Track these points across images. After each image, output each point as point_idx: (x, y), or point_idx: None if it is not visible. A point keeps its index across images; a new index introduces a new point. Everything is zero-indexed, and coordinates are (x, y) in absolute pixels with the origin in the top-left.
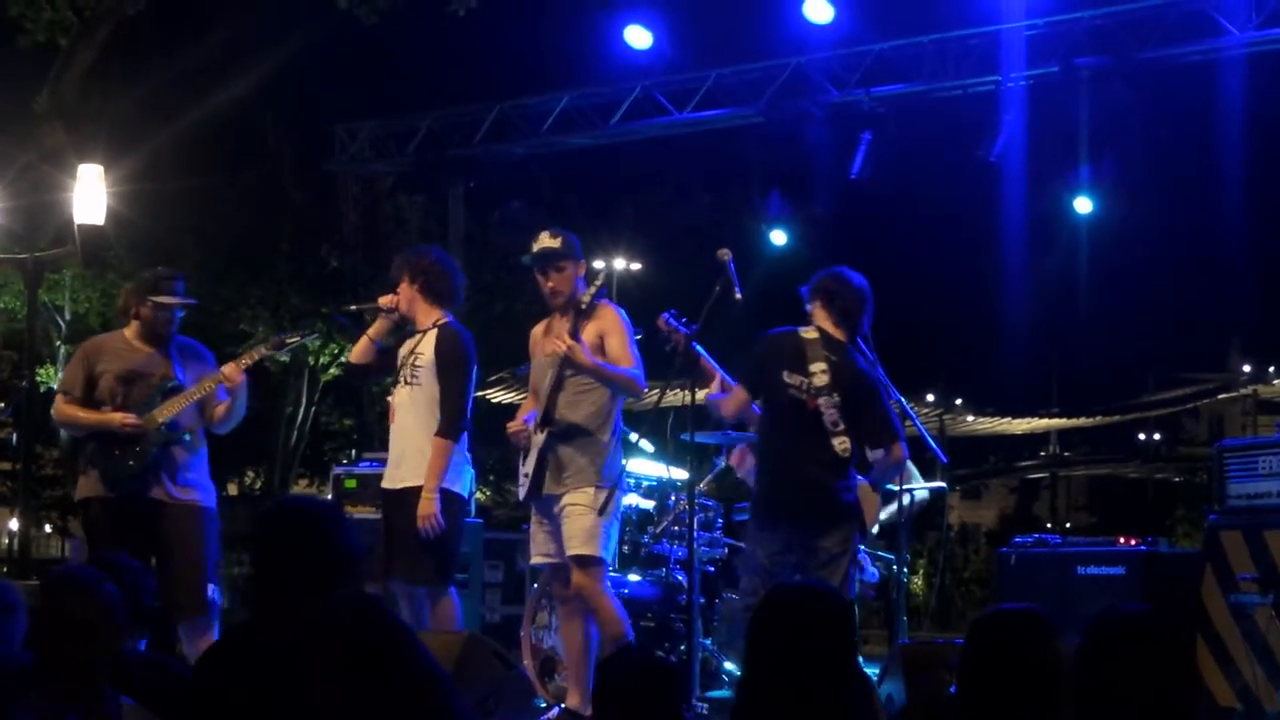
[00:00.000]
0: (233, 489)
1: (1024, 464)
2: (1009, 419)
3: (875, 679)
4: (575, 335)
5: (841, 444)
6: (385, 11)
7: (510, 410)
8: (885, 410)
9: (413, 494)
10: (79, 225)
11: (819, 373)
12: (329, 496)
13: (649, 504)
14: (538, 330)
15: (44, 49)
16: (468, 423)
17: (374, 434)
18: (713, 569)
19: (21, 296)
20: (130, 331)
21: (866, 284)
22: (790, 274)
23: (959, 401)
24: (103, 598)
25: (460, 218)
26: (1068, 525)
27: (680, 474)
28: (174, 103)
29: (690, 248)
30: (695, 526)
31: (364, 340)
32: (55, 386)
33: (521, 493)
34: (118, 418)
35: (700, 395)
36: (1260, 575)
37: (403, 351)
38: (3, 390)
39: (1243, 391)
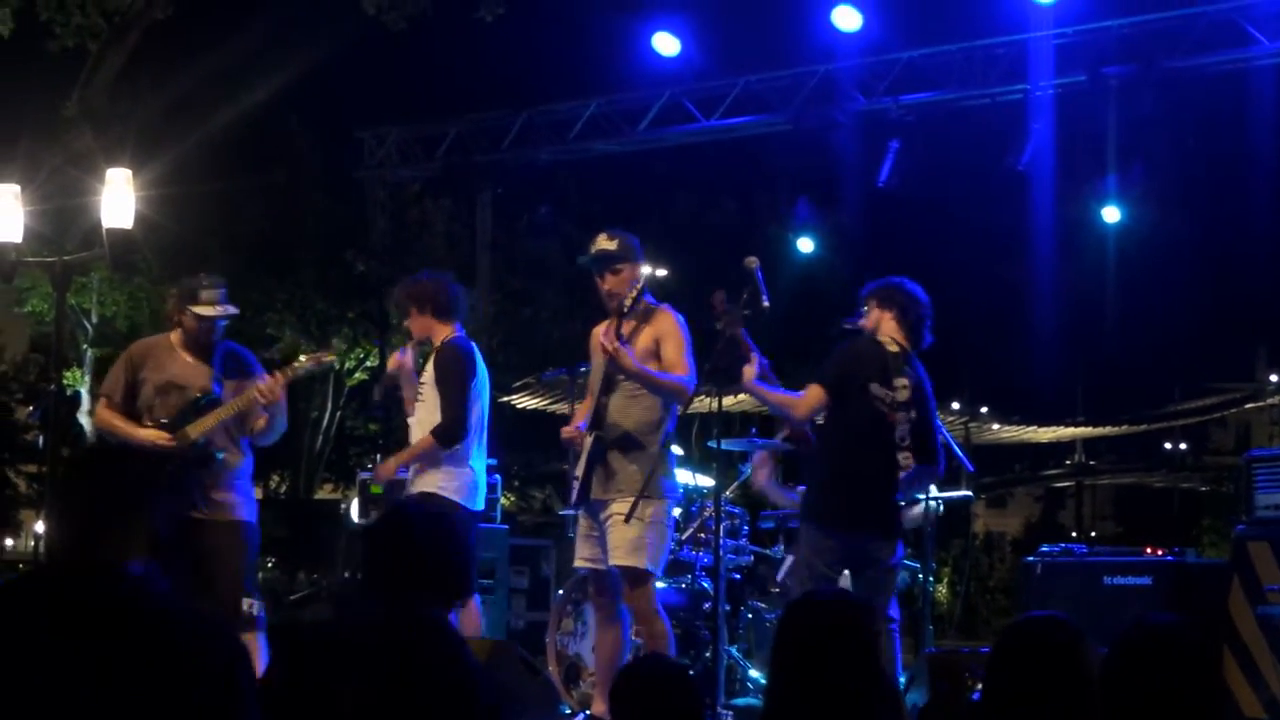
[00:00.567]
0: (258, 493)
1: (1049, 472)
2: (1034, 427)
3: (902, 687)
4: (622, 339)
5: (905, 459)
6: (413, 17)
7: (535, 416)
8: (939, 430)
9: (432, 500)
10: (107, 229)
11: (902, 388)
12: (355, 502)
13: (675, 511)
14: (598, 331)
15: (73, 54)
16: (467, 432)
17: (399, 439)
18: (738, 576)
19: (49, 300)
20: (175, 338)
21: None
22: (817, 281)
23: (984, 410)
24: None
25: (487, 223)
26: (1093, 534)
27: (706, 481)
28: (202, 107)
29: (717, 255)
30: (721, 533)
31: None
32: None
33: (572, 496)
34: (149, 435)
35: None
36: None
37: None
38: (30, 393)
39: (1270, 401)
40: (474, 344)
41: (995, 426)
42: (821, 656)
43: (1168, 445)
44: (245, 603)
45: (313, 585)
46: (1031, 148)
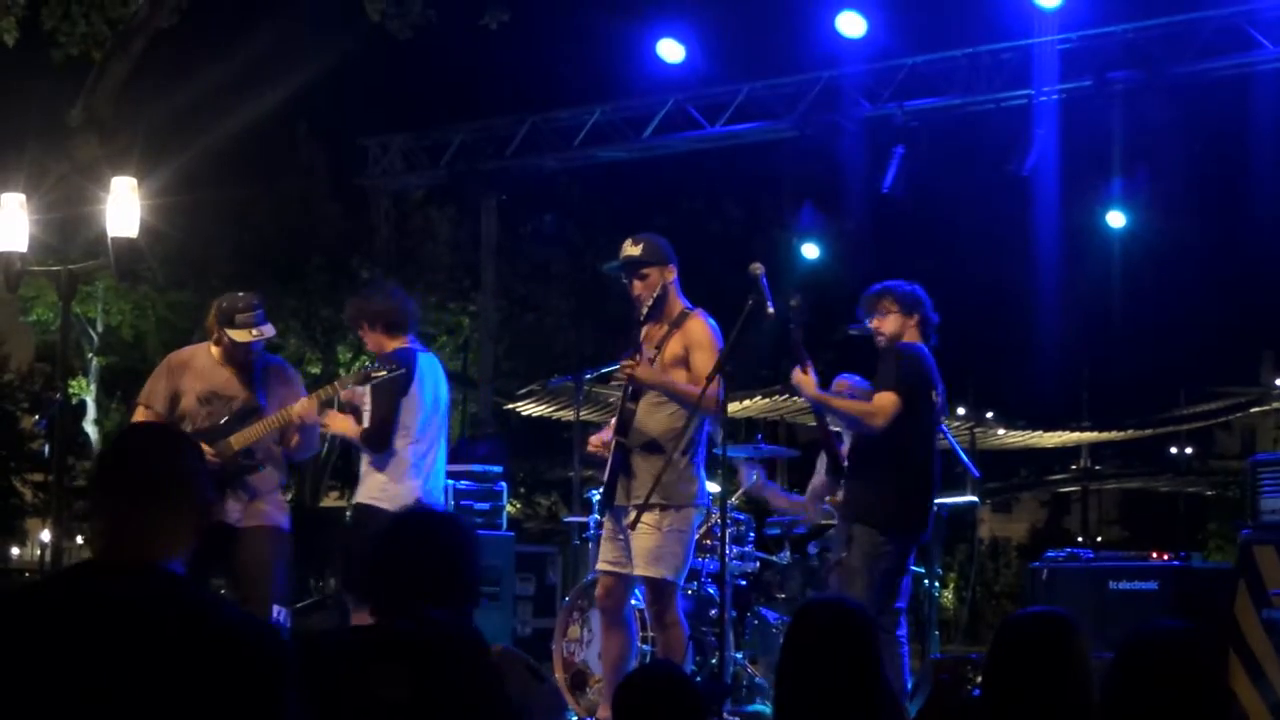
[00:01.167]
0: None
1: (1055, 477)
2: (1040, 432)
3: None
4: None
5: None
6: (418, 25)
7: (541, 423)
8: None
9: (365, 511)
10: (112, 238)
11: (937, 394)
12: None
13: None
14: (641, 334)
15: (78, 62)
16: (389, 440)
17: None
18: (744, 582)
19: (55, 309)
20: (216, 351)
21: None
22: (822, 287)
23: (990, 415)
24: None
25: (492, 230)
26: (1099, 539)
27: (712, 487)
28: (207, 115)
29: (722, 261)
30: (727, 540)
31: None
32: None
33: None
34: None
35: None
36: None
37: None
38: (36, 402)
39: (1275, 405)
40: (424, 355)
41: (1001, 431)
42: (826, 662)
43: (1173, 450)
44: (274, 610)
45: (319, 593)
46: (1036, 153)
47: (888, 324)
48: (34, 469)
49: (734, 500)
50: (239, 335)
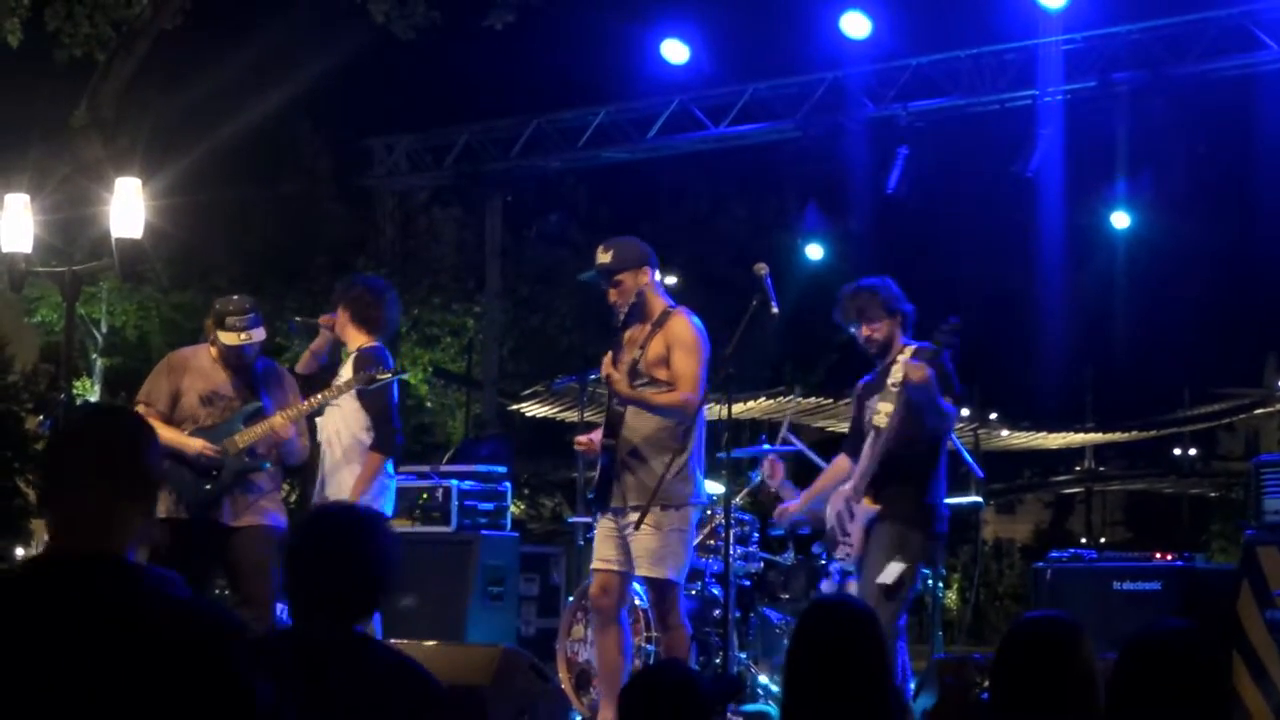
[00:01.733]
0: None
1: (1059, 479)
2: (1044, 433)
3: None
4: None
5: None
6: (422, 26)
7: (545, 424)
8: None
9: None
10: (116, 239)
11: None
12: None
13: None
14: (624, 338)
15: (82, 63)
16: (400, 440)
17: (409, 447)
18: (748, 583)
19: (58, 309)
20: (215, 351)
21: None
22: (826, 288)
23: (994, 416)
24: None
25: (497, 231)
26: (1102, 540)
27: (716, 487)
28: (211, 116)
29: (726, 262)
30: (731, 540)
31: (306, 354)
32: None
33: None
34: (197, 444)
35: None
36: None
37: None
38: (41, 403)
39: (1279, 407)
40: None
41: (1004, 433)
42: (834, 662)
43: (1177, 451)
44: (276, 608)
45: None
46: (1041, 154)
47: (884, 332)
48: (38, 470)
49: (738, 501)
50: (227, 337)
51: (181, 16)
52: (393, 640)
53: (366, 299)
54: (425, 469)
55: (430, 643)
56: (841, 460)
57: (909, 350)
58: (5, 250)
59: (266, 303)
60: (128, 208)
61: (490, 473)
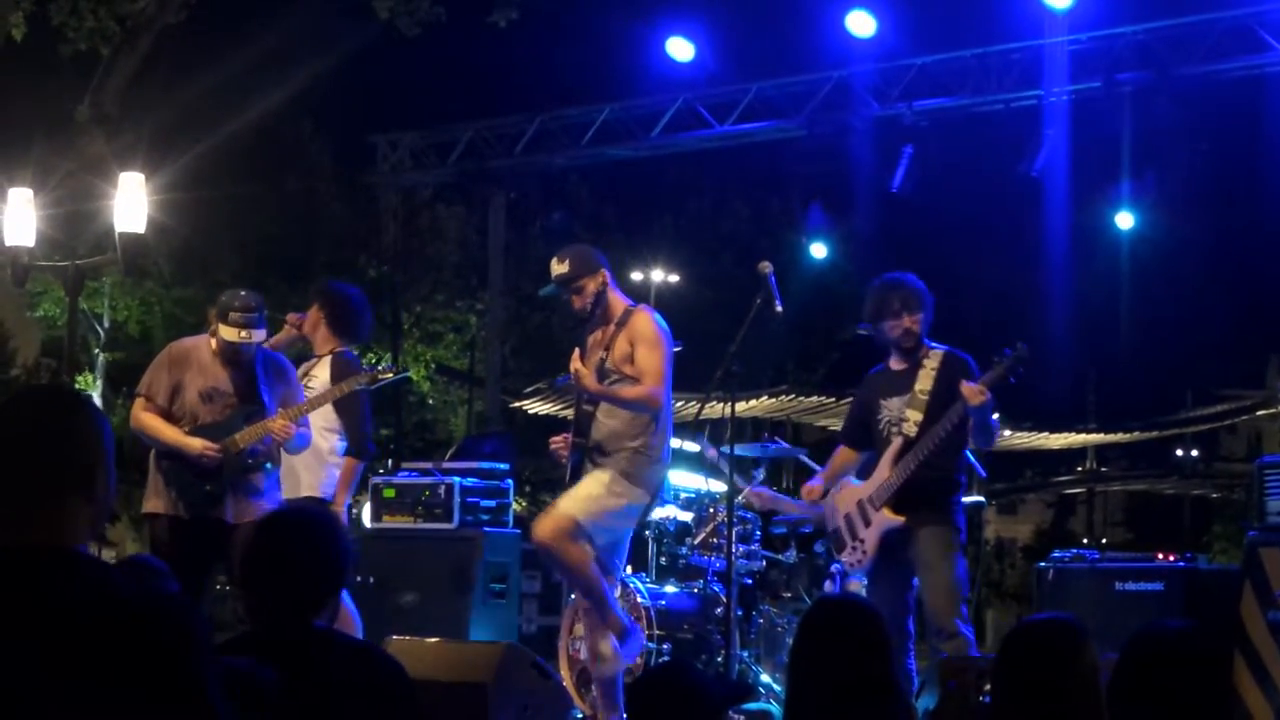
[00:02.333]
0: None
1: (1061, 479)
2: (1046, 434)
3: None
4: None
5: None
6: (426, 22)
7: (547, 421)
8: None
9: (323, 505)
10: (119, 233)
11: None
12: (367, 505)
13: (687, 516)
14: (589, 340)
15: (86, 58)
16: (371, 447)
17: (411, 444)
18: (750, 581)
19: (62, 304)
20: (214, 343)
21: None
22: (830, 287)
23: (996, 416)
24: None
25: (500, 229)
26: (1104, 541)
27: (718, 486)
28: (215, 112)
29: (730, 260)
30: (733, 538)
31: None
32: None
33: None
34: (198, 445)
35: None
36: None
37: (299, 372)
38: None
39: None
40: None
41: (1006, 433)
42: (838, 659)
43: (1179, 452)
44: None
45: None
46: (1045, 154)
47: (918, 323)
48: None
49: (740, 499)
50: (227, 332)
51: (185, 12)
52: (394, 636)
53: (350, 306)
54: (427, 466)
55: (432, 640)
56: (846, 451)
57: (937, 355)
58: (8, 245)
59: (269, 299)
60: (131, 203)
61: (493, 470)
